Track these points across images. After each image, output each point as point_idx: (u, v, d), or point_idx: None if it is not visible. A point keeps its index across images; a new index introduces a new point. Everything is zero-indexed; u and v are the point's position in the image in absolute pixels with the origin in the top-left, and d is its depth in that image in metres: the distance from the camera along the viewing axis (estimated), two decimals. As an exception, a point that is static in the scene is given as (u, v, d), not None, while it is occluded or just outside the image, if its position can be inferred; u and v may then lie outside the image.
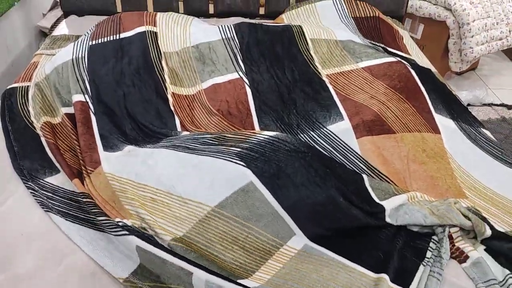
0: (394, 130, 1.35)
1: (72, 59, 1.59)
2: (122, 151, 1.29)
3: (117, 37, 1.66)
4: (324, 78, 1.56)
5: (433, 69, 1.82)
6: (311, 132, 1.37)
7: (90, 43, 1.66)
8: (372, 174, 1.26)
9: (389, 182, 1.23)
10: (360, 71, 1.57)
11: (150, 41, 1.64)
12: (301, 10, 2.02)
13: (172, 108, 1.46)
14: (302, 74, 1.58)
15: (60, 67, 1.57)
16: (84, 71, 1.54)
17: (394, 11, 2.26)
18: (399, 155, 1.30)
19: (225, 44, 1.65)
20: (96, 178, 1.21)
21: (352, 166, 1.27)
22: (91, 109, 1.42)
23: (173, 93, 1.51)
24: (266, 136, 1.19)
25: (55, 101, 1.48)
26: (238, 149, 1.15)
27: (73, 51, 1.64)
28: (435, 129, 1.38)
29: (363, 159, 1.29)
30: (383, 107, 1.40)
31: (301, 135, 1.37)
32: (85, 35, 1.77)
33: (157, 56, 1.60)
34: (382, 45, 1.84)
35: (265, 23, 1.77)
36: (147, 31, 1.67)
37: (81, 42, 1.69)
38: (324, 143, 1.34)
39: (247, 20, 2.23)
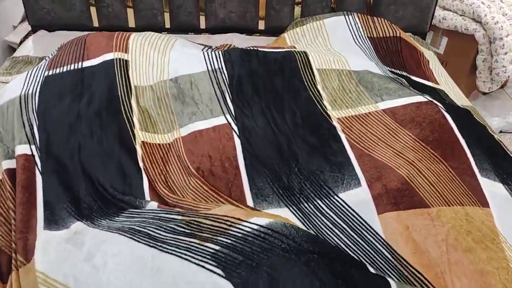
0: (427, 203, 1.02)
1: (20, 95, 1.27)
2: (68, 229, 0.97)
3: (79, 67, 1.35)
4: (335, 123, 1.23)
5: (468, 103, 1.49)
6: (318, 201, 1.05)
7: (47, 73, 1.35)
8: (400, 266, 0.93)
9: (423, 284, 0.90)
10: (381, 114, 1.23)
11: (119, 72, 1.32)
12: (307, 28, 1.68)
13: (141, 164, 1.14)
14: (307, 116, 1.24)
15: (6, 106, 1.26)
16: (33, 112, 1.23)
17: (417, 26, 1.93)
18: (436, 239, 0.97)
19: (210, 77, 1.32)
20: (26, 275, 0.89)
21: (373, 255, 0.95)
22: (37, 166, 1.11)
23: (143, 142, 1.19)
24: (256, 227, 0.85)
25: (-4, 151, 1.17)
26: (216, 247, 0.82)
27: (24, 83, 1.33)
28: (482, 201, 1.04)
29: (388, 245, 0.96)
30: (412, 170, 1.06)
31: (305, 204, 1.04)
32: (45, 60, 1.46)
33: (125, 92, 1.28)
34: (405, 74, 1.51)
35: (262, 49, 1.43)
36: (116, 59, 1.35)
37: (36, 71, 1.37)
38: (335, 217, 1.01)
39: (243, 36, 1.92)
